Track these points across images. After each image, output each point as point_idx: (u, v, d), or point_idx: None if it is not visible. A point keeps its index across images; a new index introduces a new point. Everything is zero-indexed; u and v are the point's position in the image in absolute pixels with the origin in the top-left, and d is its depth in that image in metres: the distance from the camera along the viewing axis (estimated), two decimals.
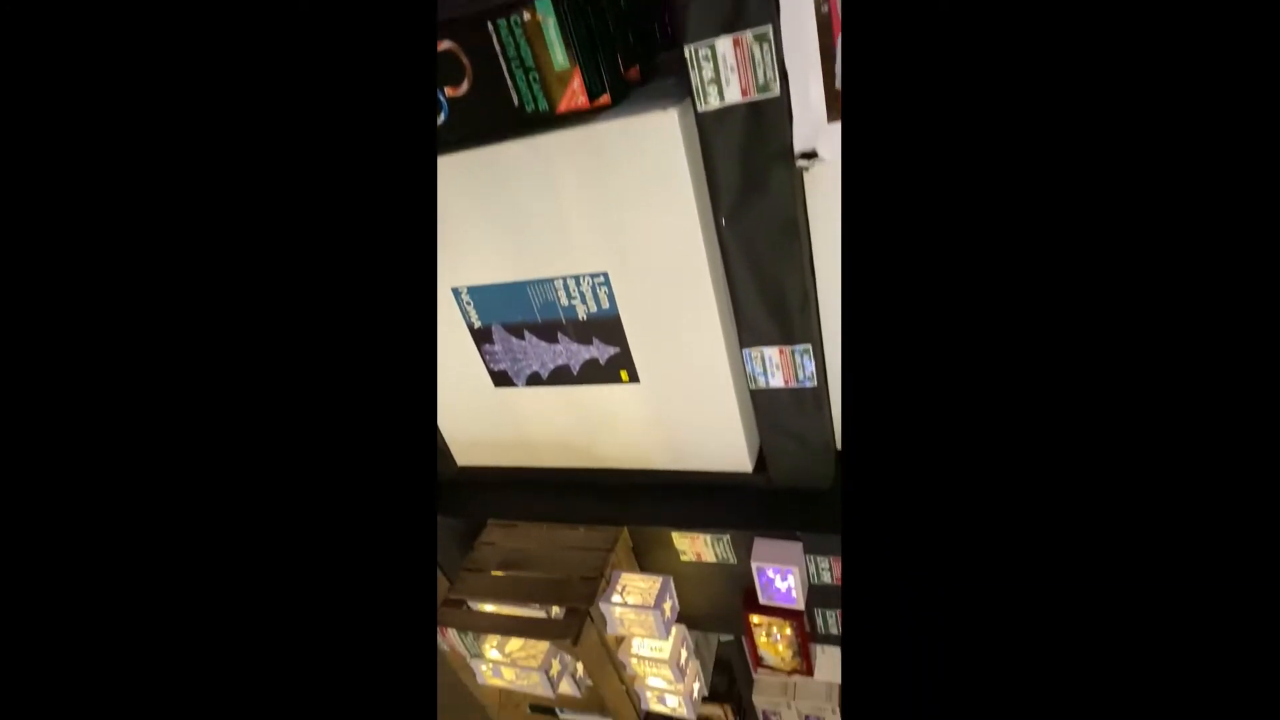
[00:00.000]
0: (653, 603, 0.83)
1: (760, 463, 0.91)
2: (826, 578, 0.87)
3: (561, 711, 1.12)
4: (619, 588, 0.86)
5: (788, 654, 0.97)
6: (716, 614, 1.00)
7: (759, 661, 0.98)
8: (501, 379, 0.96)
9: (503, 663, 0.91)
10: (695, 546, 0.93)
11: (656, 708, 0.96)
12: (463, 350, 0.95)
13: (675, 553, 0.95)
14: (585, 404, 0.94)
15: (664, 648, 0.90)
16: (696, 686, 0.97)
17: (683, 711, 0.95)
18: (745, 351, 0.81)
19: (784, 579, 0.85)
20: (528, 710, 1.05)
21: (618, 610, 0.85)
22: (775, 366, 0.81)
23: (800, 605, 0.87)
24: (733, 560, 0.92)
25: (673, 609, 0.90)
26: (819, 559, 0.87)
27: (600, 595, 0.85)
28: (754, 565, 0.85)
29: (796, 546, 0.83)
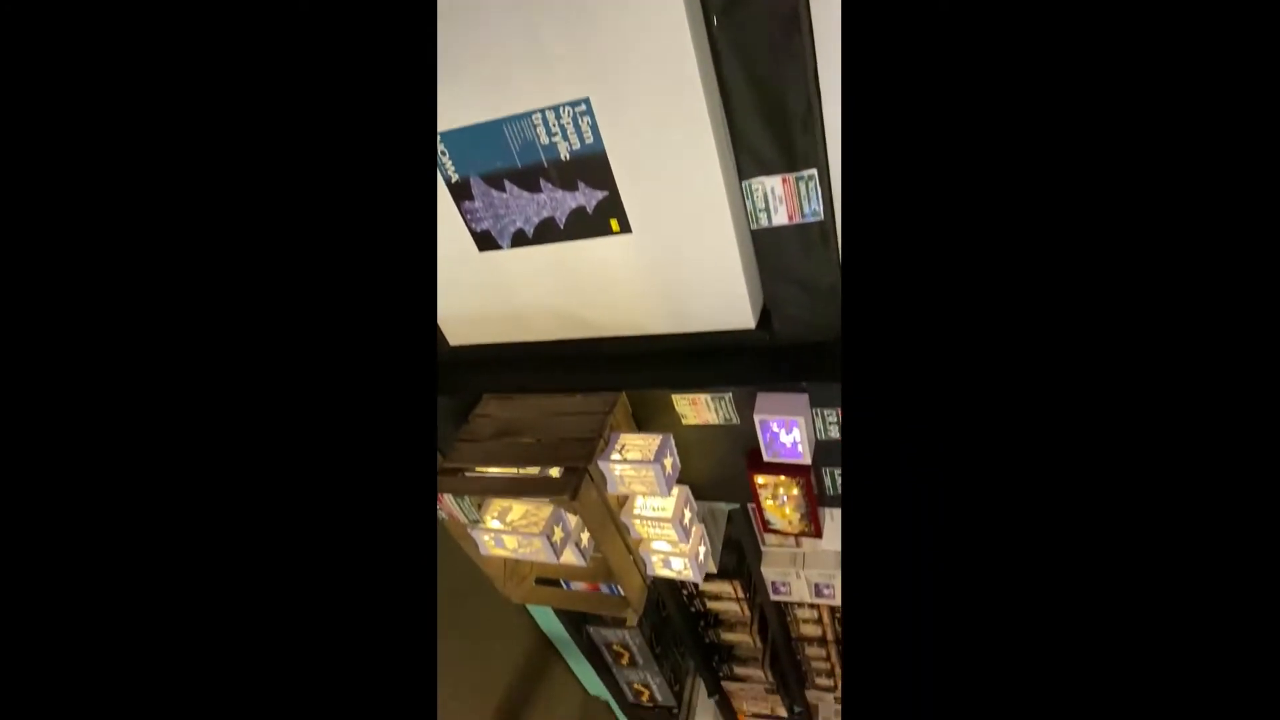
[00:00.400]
0: (652, 458, 0.80)
1: (764, 319, 0.86)
2: (834, 432, 0.83)
3: (568, 584, 1.12)
4: (618, 447, 0.83)
5: (795, 516, 0.95)
6: (722, 481, 0.98)
7: (765, 526, 0.96)
8: (485, 241, 0.90)
9: (504, 531, 0.90)
10: (697, 410, 0.89)
11: (662, 573, 0.95)
12: (443, 212, 0.89)
13: (676, 417, 0.91)
14: (575, 264, 0.88)
15: (666, 506, 0.88)
16: (703, 551, 0.96)
17: (689, 574, 0.94)
18: (745, 184, 0.74)
19: (789, 432, 0.81)
20: (533, 584, 1.05)
21: (617, 468, 0.82)
22: (778, 200, 0.74)
23: (807, 460, 0.83)
24: (736, 420, 0.89)
25: (674, 466, 0.87)
26: (826, 412, 0.82)
27: (599, 455, 0.82)
28: (757, 419, 0.81)
29: (802, 398, 0.79)
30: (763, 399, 0.81)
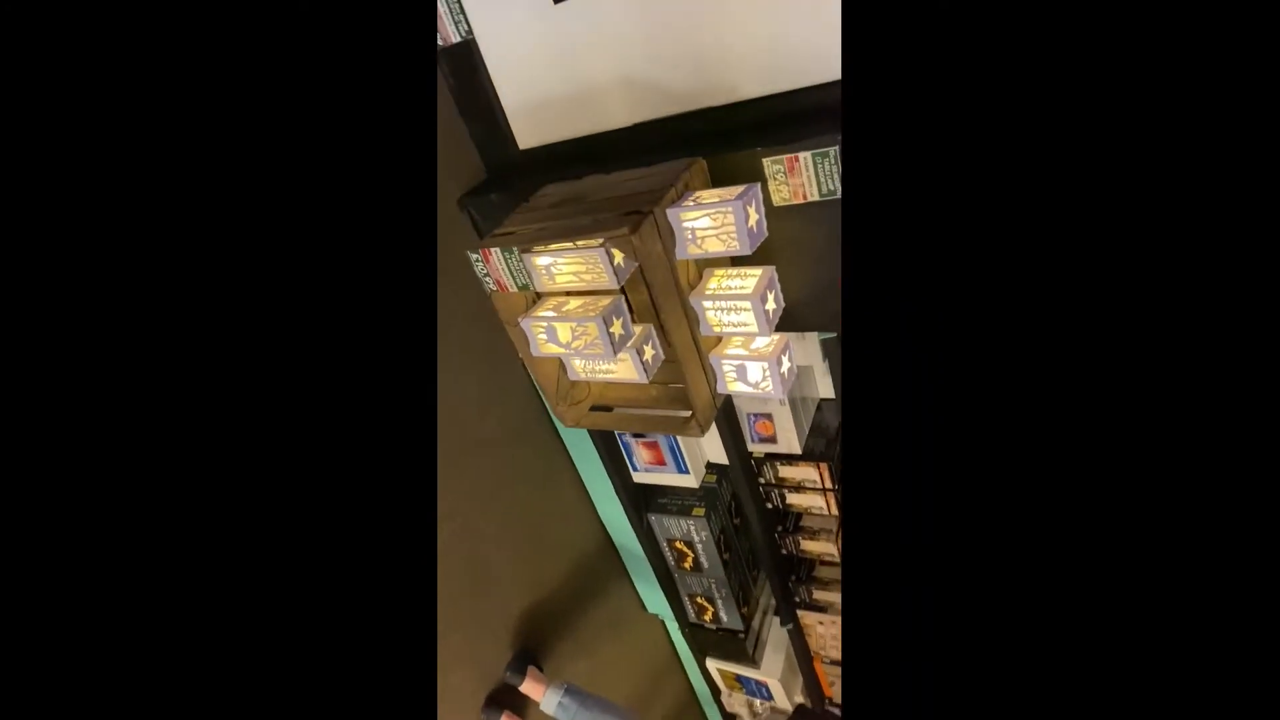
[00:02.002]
0: (732, 201, 0.65)
1: None
2: None
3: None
4: (693, 199, 0.69)
5: None
6: (817, 297, 0.81)
7: None
8: None
9: (556, 319, 0.78)
10: (794, 180, 0.73)
11: (734, 388, 0.80)
12: None
13: (769, 194, 0.76)
14: (662, 5, 0.75)
15: (746, 284, 0.72)
16: (786, 363, 0.79)
17: (768, 386, 0.78)
18: None
19: None
20: (588, 410, 0.93)
21: (690, 222, 0.68)
22: None
23: None
24: (839, 193, 0.72)
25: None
26: None
27: (668, 203, 0.68)
28: None
29: None
30: None
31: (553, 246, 0.72)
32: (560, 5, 0.81)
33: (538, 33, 0.85)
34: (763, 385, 0.77)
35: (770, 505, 1.22)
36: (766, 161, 0.74)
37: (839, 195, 0.72)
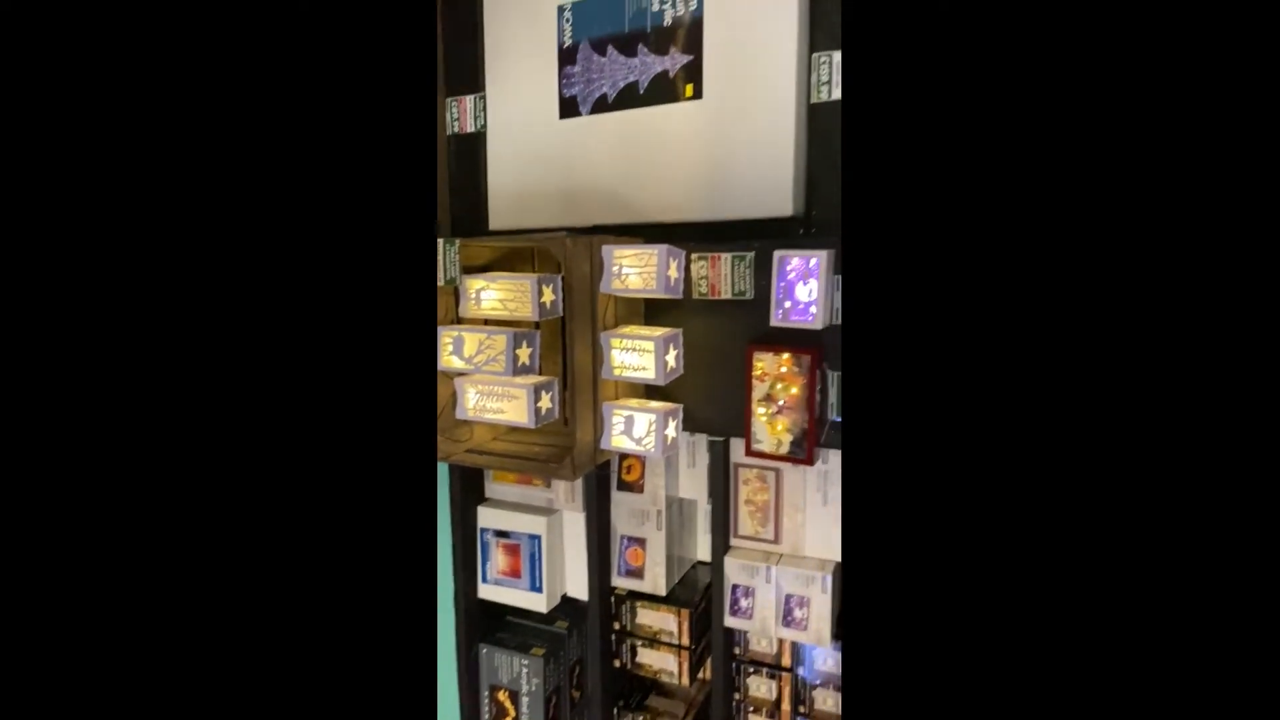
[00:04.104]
0: (659, 247, 0.75)
1: (804, 211, 0.87)
2: None
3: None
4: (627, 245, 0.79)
5: (786, 436, 0.82)
6: (715, 395, 0.87)
7: (751, 448, 0.83)
8: (568, 108, 1.01)
9: (468, 330, 0.81)
10: (713, 275, 0.86)
11: (619, 442, 0.79)
12: (543, 79, 1.01)
13: (690, 286, 0.87)
14: (640, 133, 0.95)
15: (655, 332, 0.77)
16: (672, 430, 0.81)
17: (650, 444, 0.77)
18: (814, 56, 0.84)
19: (805, 282, 0.76)
20: (463, 451, 0.89)
21: (619, 258, 0.77)
22: (841, 72, 0.83)
23: (819, 325, 0.76)
24: (749, 295, 0.84)
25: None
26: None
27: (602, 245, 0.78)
28: (776, 255, 0.77)
29: (827, 253, 0.76)
30: (782, 255, 0.78)
31: (490, 273, 0.80)
32: (563, 120, 1.01)
33: (537, 136, 1.03)
34: (646, 442, 0.78)
35: (619, 664, 1.08)
36: (695, 257, 0.86)
37: (749, 297, 0.83)
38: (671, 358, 0.80)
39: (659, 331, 0.80)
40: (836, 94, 0.84)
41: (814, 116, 0.86)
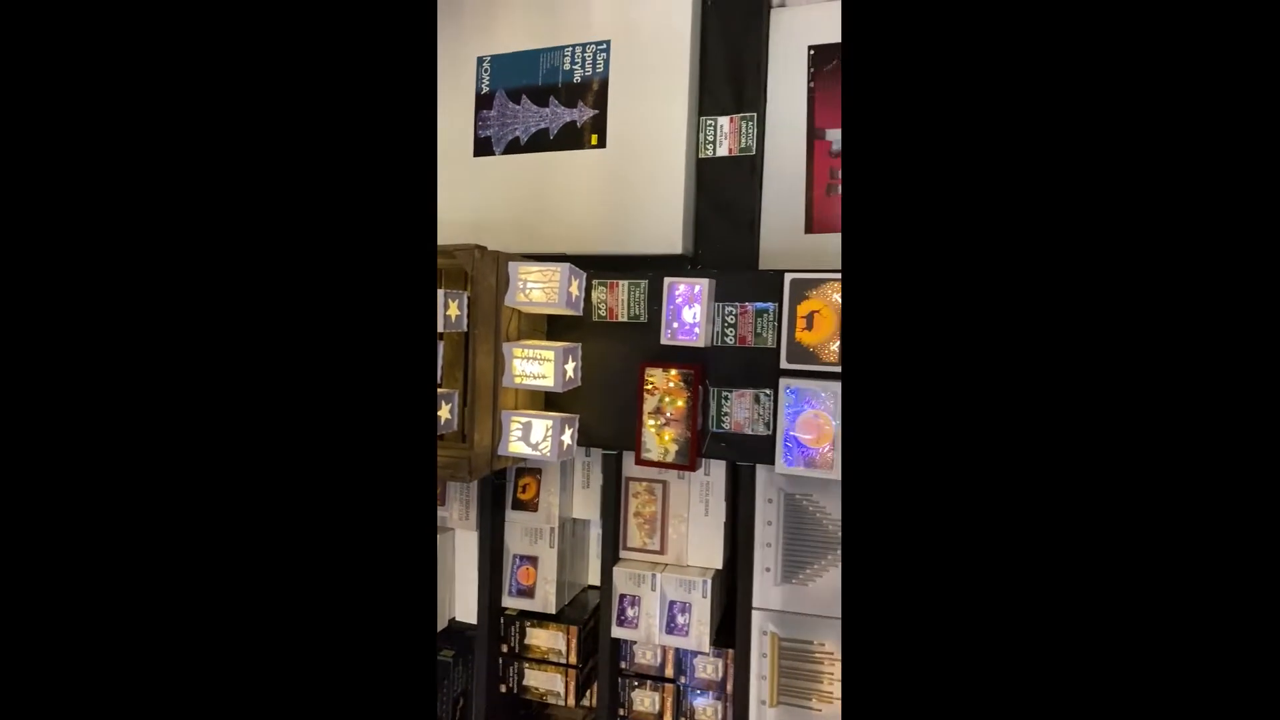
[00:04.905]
0: (560, 265, 0.83)
1: (693, 249, 0.99)
2: (729, 338, 0.89)
3: None
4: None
5: (672, 446, 0.90)
6: (609, 414, 0.95)
7: (640, 454, 0.90)
8: (483, 147, 1.09)
9: None
10: (611, 300, 0.94)
11: (515, 447, 0.83)
12: (459, 120, 1.10)
13: (590, 308, 0.95)
14: (549, 174, 1.06)
15: (556, 344, 0.83)
16: (567, 438, 0.86)
17: (546, 449, 0.82)
18: (702, 119, 0.98)
19: (690, 306, 0.87)
20: None
21: (524, 274, 0.84)
22: (724, 135, 0.98)
23: (702, 343, 0.87)
24: (643, 318, 0.93)
25: (579, 298, 0.88)
26: (727, 309, 0.90)
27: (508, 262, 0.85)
28: (666, 282, 0.88)
29: (707, 283, 0.87)
30: (673, 282, 0.89)
31: None
32: (477, 158, 1.09)
33: (452, 172, 1.10)
34: (542, 446, 0.83)
35: (505, 688, 1.07)
36: (595, 283, 0.94)
37: (643, 320, 0.93)
38: (570, 368, 0.86)
39: (560, 343, 0.87)
40: (722, 151, 0.98)
41: (702, 170, 0.99)
